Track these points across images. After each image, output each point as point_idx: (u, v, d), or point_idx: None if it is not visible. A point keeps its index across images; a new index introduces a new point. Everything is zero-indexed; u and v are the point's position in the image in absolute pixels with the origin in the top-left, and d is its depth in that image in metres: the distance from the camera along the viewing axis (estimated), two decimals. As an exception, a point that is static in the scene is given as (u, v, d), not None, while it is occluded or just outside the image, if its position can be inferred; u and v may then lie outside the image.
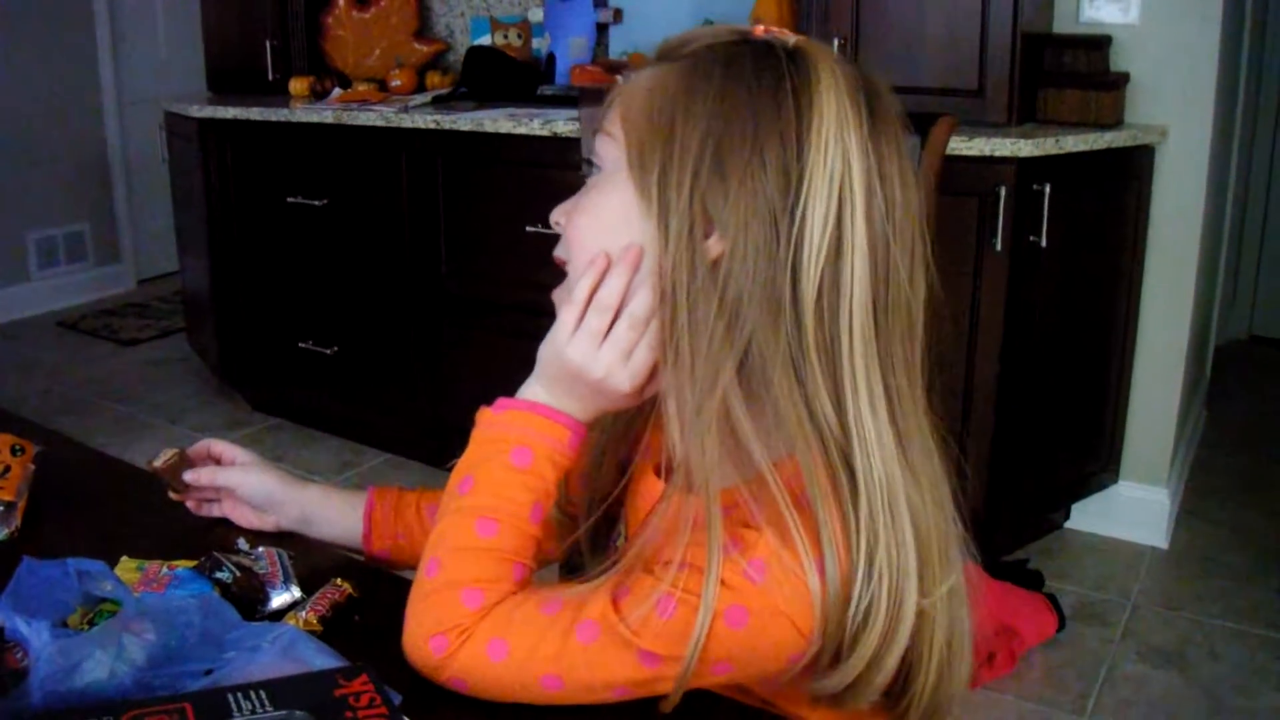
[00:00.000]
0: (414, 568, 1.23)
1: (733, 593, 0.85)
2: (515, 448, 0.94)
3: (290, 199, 3.73)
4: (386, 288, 3.60)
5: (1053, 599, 2.72)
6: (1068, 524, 3.21)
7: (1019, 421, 2.85)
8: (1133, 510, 3.13)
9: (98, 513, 1.27)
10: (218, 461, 1.27)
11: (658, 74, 0.93)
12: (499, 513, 0.93)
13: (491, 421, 0.96)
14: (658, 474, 1.00)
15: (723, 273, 0.87)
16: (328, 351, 3.80)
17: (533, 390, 0.97)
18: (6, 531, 1.17)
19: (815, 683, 0.89)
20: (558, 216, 0.97)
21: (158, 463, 1.22)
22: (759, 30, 0.93)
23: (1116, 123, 2.86)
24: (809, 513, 0.86)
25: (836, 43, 2.89)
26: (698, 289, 0.88)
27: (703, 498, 0.87)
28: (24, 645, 0.87)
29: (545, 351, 0.96)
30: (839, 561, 0.85)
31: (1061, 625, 2.68)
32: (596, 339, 0.93)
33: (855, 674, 0.87)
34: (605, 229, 0.94)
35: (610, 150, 0.94)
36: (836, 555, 0.85)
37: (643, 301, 0.91)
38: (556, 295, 0.97)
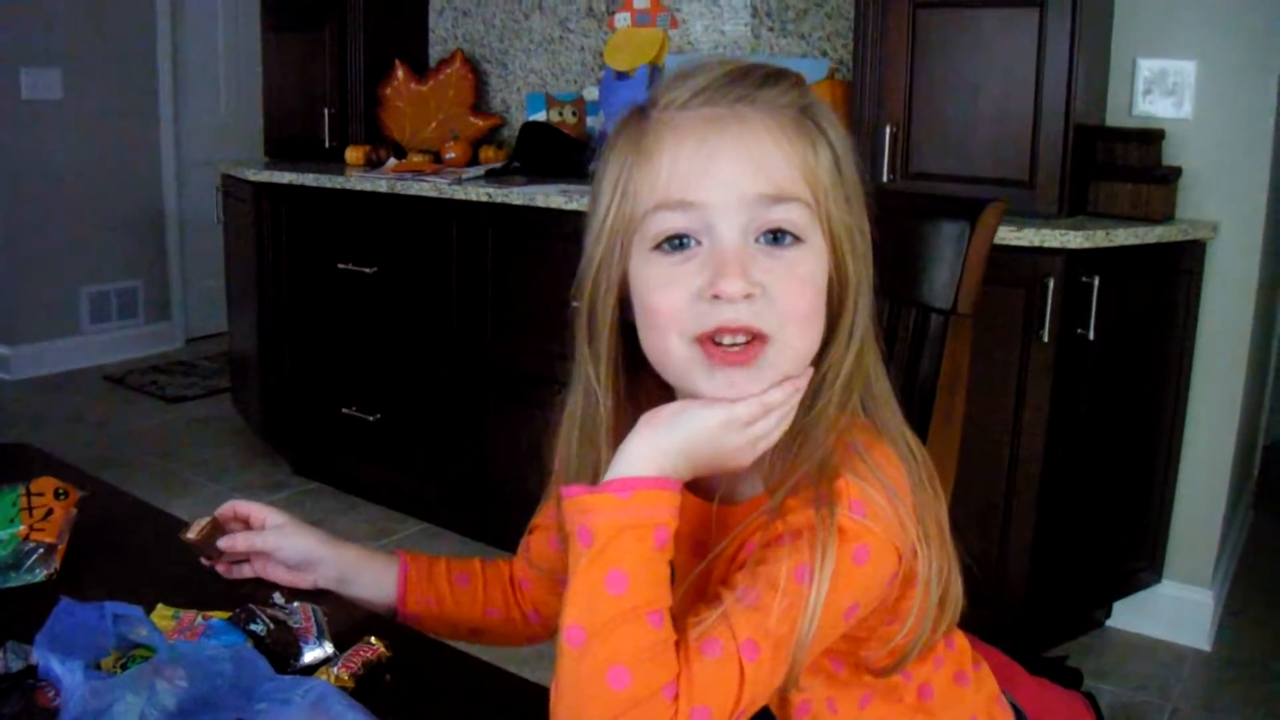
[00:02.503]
0: (441, 632, 1.24)
1: (850, 535, 0.92)
2: (655, 530, 0.90)
3: (341, 265, 3.77)
4: (432, 357, 3.62)
5: (1091, 698, 2.65)
6: (1109, 622, 3.16)
7: (1062, 515, 2.82)
8: (1176, 610, 3.08)
9: (137, 560, 1.27)
10: (246, 523, 1.27)
11: (773, 128, 0.95)
12: (661, 601, 0.90)
13: (621, 506, 0.90)
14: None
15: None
16: (371, 418, 3.82)
17: (656, 463, 0.93)
18: (46, 573, 1.18)
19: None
20: (748, 289, 0.92)
21: (192, 535, 1.21)
22: (745, 62, 0.99)
23: (1167, 217, 2.85)
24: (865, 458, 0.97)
25: (889, 130, 2.91)
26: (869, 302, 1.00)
27: (796, 474, 0.95)
28: (56, 685, 0.87)
29: (693, 430, 0.94)
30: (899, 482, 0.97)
31: (1099, 725, 2.63)
32: (758, 438, 0.95)
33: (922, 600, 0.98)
34: (820, 295, 0.97)
35: (804, 215, 0.95)
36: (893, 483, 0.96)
37: (795, 403, 0.96)
38: (727, 377, 0.95)
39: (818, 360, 0.98)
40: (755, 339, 0.93)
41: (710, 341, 0.93)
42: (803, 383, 0.96)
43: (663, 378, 1.00)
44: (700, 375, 0.95)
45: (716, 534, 1.01)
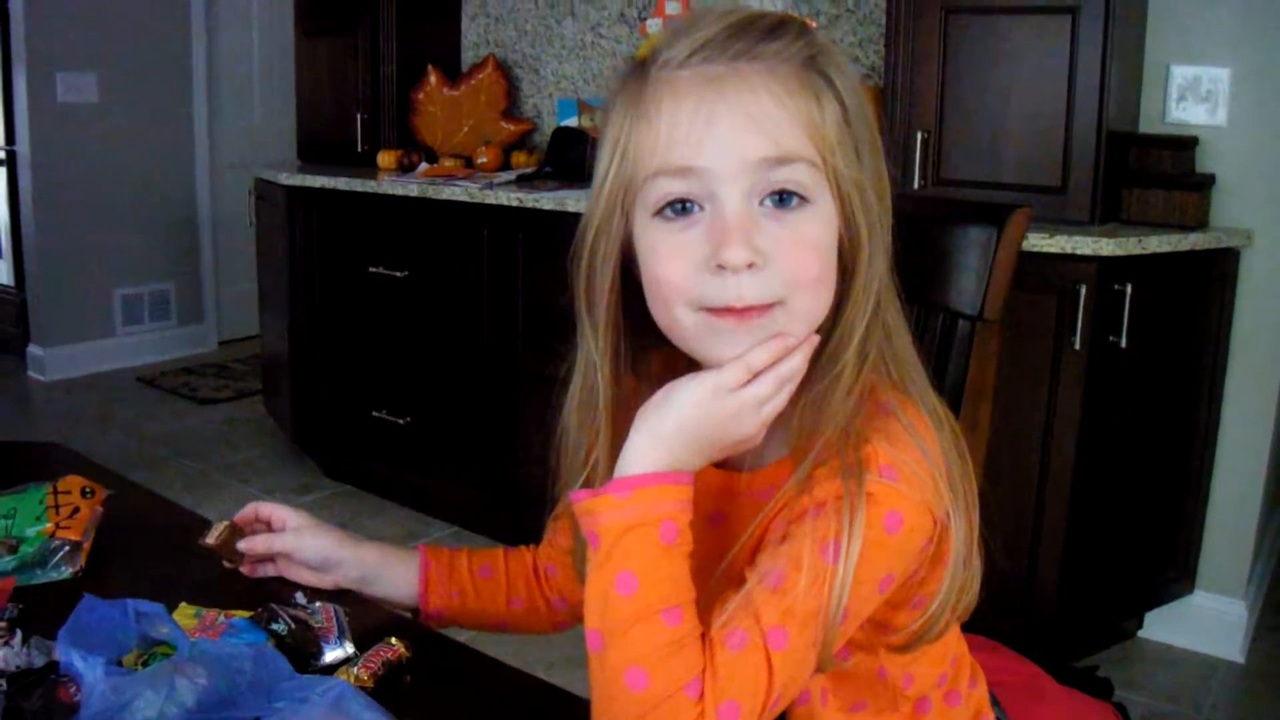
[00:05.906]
0: (466, 625, 1.22)
1: (881, 501, 0.88)
2: (662, 526, 0.89)
3: (372, 269, 3.78)
4: (462, 361, 3.63)
5: (1121, 709, 2.63)
6: (1140, 632, 3.13)
7: (1093, 524, 2.80)
8: (1208, 622, 3.05)
9: (161, 559, 1.28)
10: (268, 525, 1.27)
11: (775, 86, 0.90)
12: (676, 597, 0.87)
13: (621, 507, 0.89)
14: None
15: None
16: (401, 421, 3.82)
17: (655, 456, 0.91)
18: (71, 571, 1.19)
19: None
20: (751, 258, 0.89)
21: (210, 540, 1.22)
22: (746, 13, 0.93)
23: (1201, 224, 2.83)
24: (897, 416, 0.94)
25: (921, 137, 2.89)
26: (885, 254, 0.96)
27: (820, 439, 0.92)
28: (78, 680, 0.87)
29: (684, 407, 0.91)
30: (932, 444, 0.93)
31: (1129, 736, 2.61)
32: (761, 406, 0.91)
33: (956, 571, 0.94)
34: (830, 259, 0.94)
35: (809, 175, 0.91)
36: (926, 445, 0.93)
37: (798, 364, 0.92)
38: (723, 346, 0.92)
39: (834, 318, 0.95)
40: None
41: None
42: (795, 341, 0.91)
43: (669, 343, 0.97)
44: (709, 339, 0.92)
45: (745, 500, 0.99)
